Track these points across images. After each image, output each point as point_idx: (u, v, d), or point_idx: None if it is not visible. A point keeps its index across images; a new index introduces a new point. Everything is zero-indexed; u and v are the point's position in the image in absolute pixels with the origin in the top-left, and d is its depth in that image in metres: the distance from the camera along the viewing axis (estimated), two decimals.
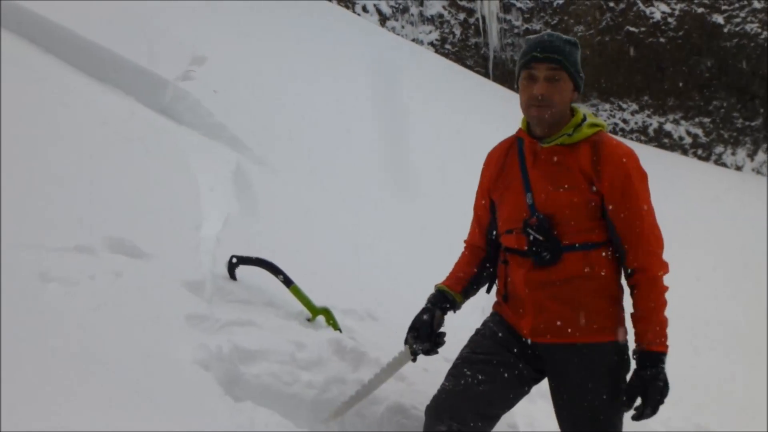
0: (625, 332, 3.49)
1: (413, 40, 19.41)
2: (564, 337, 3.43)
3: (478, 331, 3.73)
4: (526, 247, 3.44)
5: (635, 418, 3.25)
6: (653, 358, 3.25)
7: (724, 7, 19.97)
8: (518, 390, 3.59)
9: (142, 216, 4.58)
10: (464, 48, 20.65)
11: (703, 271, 9.32)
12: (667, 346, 3.28)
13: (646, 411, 3.21)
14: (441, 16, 20.64)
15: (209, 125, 6.92)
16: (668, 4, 20.20)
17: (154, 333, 3.48)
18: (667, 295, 3.32)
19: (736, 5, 19.89)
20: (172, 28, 8.78)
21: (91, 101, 6.11)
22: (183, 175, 5.55)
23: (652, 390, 3.20)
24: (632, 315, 3.35)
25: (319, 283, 4.57)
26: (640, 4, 20.25)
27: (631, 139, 19.54)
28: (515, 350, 3.55)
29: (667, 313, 3.32)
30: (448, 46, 20.50)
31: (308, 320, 4.35)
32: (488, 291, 3.87)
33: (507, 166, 3.62)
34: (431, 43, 20.29)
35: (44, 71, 6.16)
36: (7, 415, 2.51)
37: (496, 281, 3.77)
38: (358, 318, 4.77)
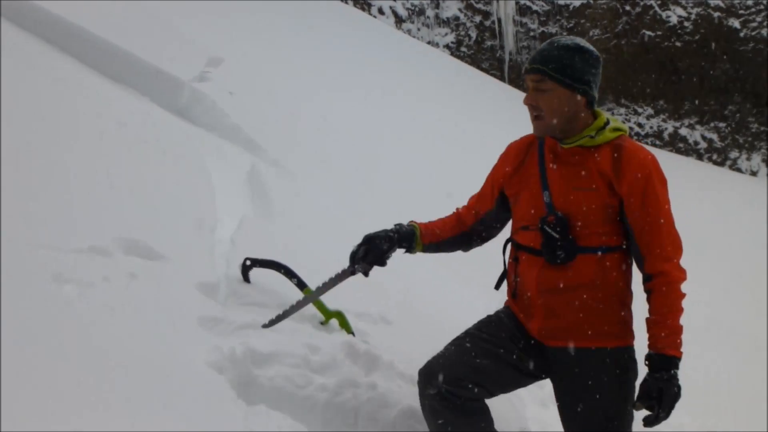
0: (633, 338, 3.50)
1: (429, 42, 19.45)
2: (573, 341, 3.43)
3: (489, 317, 3.75)
4: (540, 246, 3.44)
5: (649, 423, 3.23)
6: (667, 361, 3.23)
7: (740, 12, 19.91)
8: (516, 377, 3.60)
9: (156, 218, 4.58)
10: (480, 50, 20.69)
11: (716, 275, 9.31)
12: (681, 352, 3.26)
13: (661, 415, 3.19)
14: (457, 18, 20.68)
15: (225, 127, 6.92)
16: (684, 8, 20.18)
17: (167, 335, 3.48)
18: (684, 302, 3.31)
19: (753, 9, 19.86)
20: (189, 28, 8.80)
21: (106, 102, 6.12)
22: (198, 177, 5.55)
23: (667, 394, 3.18)
24: (647, 319, 3.33)
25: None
26: (657, 8, 20.24)
27: (646, 143, 19.52)
28: (521, 345, 3.56)
29: (683, 320, 3.31)
30: (463, 49, 20.53)
31: (321, 323, 4.34)
32: (497, 287, 3.86)
33: (526, 163, 3.61)
34: (447, 46, 20.32)
35: (60, 71, 6.17)
36: (18, 415, 2.52)
37: (506, 278, 3.77)
38: (372, 321, 4.76)
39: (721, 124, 20.11)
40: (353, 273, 3.78)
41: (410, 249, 3.79)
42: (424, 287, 5.71)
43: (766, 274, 9.47)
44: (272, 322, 3.90)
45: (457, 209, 3.93)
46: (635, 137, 19.86)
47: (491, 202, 3.78)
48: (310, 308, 4.35)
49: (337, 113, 9.22)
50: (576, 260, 3.38)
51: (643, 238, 3.33)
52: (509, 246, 3.73)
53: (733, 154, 19.93)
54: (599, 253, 3.39)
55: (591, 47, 3.44)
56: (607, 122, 3.46)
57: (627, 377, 3.43)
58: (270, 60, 9.70)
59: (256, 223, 5.36)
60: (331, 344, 4.03)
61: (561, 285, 3.42)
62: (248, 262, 4.34)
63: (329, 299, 4.38)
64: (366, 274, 3.75)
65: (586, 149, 3.42)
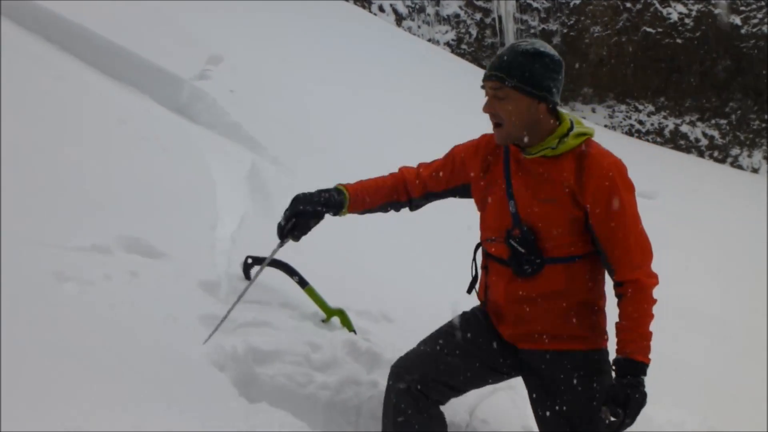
0: (606, 340, 3.50)
1: (429, 40, 19.40)
2: (543, 345, 3.44)
3: (464, 313, 3.76)
4: (507, 258, 3.42)
5: (612, 429, 3.18)
6: (635, 367, 3.20)
7: (741, 8, 19.90)
8: (488, 375, 3.62)
9: (157, 216, 4.58)
10: (480, 48, 20.64)
11: (718, 274, 9.30)
12: (649, 359, 3.24)
13: (627, 421, 3.15)
14: (457, 16, 20.64)
15: (225, 125, 6.92)
16: (685, 5, 20.16)
17: (169, 333, 3.48)
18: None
19: (754, 6, 19.84)
20: (189, 27, 8.80)
21: (107, 100, 6.12)
22: (199, 175, 5.55)
23: (633, 399, 3.14)
24: (616, 324, 3.30)
25: (333, 284, 4.57)
26: (657, 5, 20.21)
27: (647, 140, 19.47)
28: (494, 344, 3.56)
29: (653, 326, 3.28)
30: (464, 46, 20.49)
31: (323, 321, 4.34)
32: (469, 292, 3.84)
33: (493, 167, 3.55)
34: (447, 43, 20.28)
35: (61, 69, 6.17)
36: (19, 414, 2.52)
37: (477, 284, 3.77)
38: (373, 319, 4.76)
39: (722, 121, 20.08)
40: (282, 245, 3.78)
41: (335, 214, 3.77)
42: (426, 285, 5.70)
43: (767, 272, 9.44)
44: (213, 332, 3.78)
45: (403, 174, 3.84)
46: (636, 135, 19.84)
47: (444, 186, 3.74)
48: (312, 306, 4.35)
49: (338, 111, 9.21)
50: (544, 270, 3.37)
51: (611, 247, 3.29)
52: (479, 252, 3.73)
53: (734, 151, 19.90)
54: (567, 262, 3.37)
55: (552, 51, 3.34)
56: (571, 127, 3.37)
57: (600, 379, 3.42)
58: (270, 58, 9.69)
59: (257, 221, 5.35)
60: (332, 342, 4.03)
61: (530, 295, 3.42)
62: (249, 260, 4.34)
63: (330, 297, 4.38)
64: (296, 240, 3.75)
65: (549, 159, 3.35)
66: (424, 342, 3.63)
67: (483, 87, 3.37)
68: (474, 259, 3.76)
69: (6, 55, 5.37)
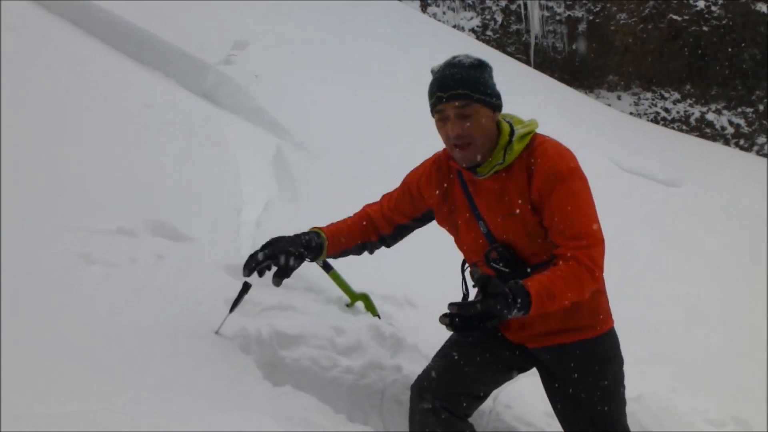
0: (611, 321, 3.45)
1: (454, 26, 19.36)
2: (550, 341, 3.40)
3: None
4: (495, 276, 3.24)
5: (459, 306, 2.78)
6: (522, 293, 2.88)
7: None
8: (504, 374, 3.59)
9: (183, 199, 4.60)
10: (505, 34, 20.58)
11: (744, 264, 9.25)
12: (533, 308, 2.91)
13: (477, 305, 2.75)
14: (482, 2, 20.58)
15: (250, 109, 6.94)
16: None
17: (193, 316, 3.50)
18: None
19: None
20: (214, 12, 8.81)
21: (133, 84, 6.14)
22: (224, 159, 5.57)
23: (495, 301, 2.77)
24: (541, 271, 3.08)
25: (357, 268, 4.56)
26: None
27: (673, 128, 19.34)
28: (505, 345, 3.53)
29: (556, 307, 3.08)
30: (489, 33, 20.43)
31: (347, 306, 4.35)
32: None
33: (452, 191, 3.46)
34: (472, 30, 20.23)
35: (87, 54, 6.19)
36: (45, 394, 2.54)
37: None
38: (397, 304, 4.76)
39: (749, 110, 19.93)
40: (246, 292, 3.54)
41: (313, 259, 3.60)
42: (449, 270, 5.70)
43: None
44: (222, 324, 3.72)
45: (368, 213, 3.76)
46: (661, 122, 19.74)
47: (410, 217, 3.68)
48: (337, 291, 4.36)
49: (361, 96, 9.20)
50: None
51: (557, 231, 3.13)
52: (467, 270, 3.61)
53: (761, 140, 19.77)
54: (553, 260, 3.21)
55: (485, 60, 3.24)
56: (512, 130, 3.25)
57: (612, 363, 3.42)
58: (294, 43, 9.69)
59: (282, 205, 5.36)
60: (356, 326, 4.04)
61: None
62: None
63: (355, 282, 4.39)
64: (277, 286, 3.49)
65: (502, 172, 3.24)
66: (439, 356, 3.60)
67: (439, 111, 3.19)
68: (463, 277, 3.67)
69: (33, 39, 5.39)
